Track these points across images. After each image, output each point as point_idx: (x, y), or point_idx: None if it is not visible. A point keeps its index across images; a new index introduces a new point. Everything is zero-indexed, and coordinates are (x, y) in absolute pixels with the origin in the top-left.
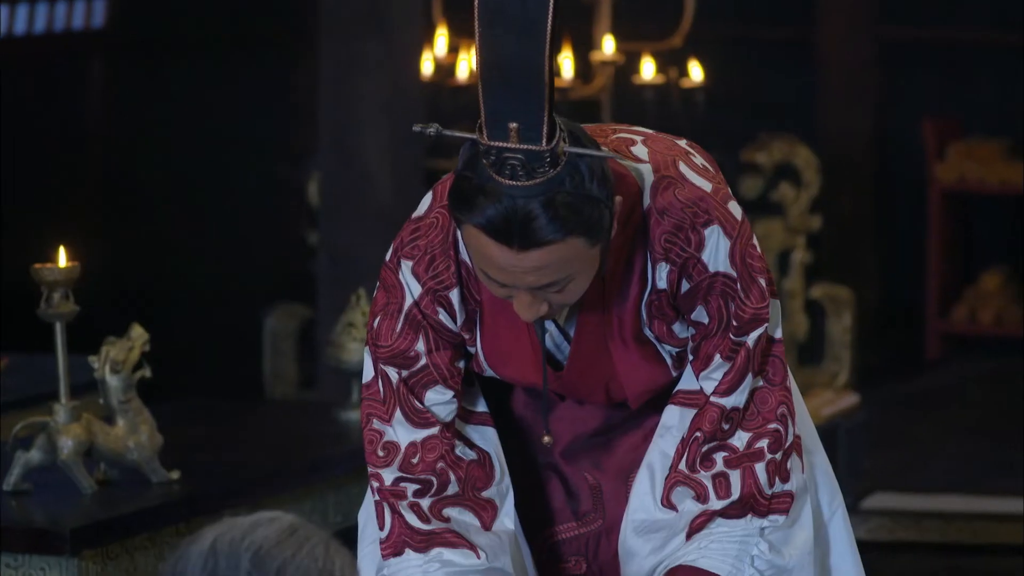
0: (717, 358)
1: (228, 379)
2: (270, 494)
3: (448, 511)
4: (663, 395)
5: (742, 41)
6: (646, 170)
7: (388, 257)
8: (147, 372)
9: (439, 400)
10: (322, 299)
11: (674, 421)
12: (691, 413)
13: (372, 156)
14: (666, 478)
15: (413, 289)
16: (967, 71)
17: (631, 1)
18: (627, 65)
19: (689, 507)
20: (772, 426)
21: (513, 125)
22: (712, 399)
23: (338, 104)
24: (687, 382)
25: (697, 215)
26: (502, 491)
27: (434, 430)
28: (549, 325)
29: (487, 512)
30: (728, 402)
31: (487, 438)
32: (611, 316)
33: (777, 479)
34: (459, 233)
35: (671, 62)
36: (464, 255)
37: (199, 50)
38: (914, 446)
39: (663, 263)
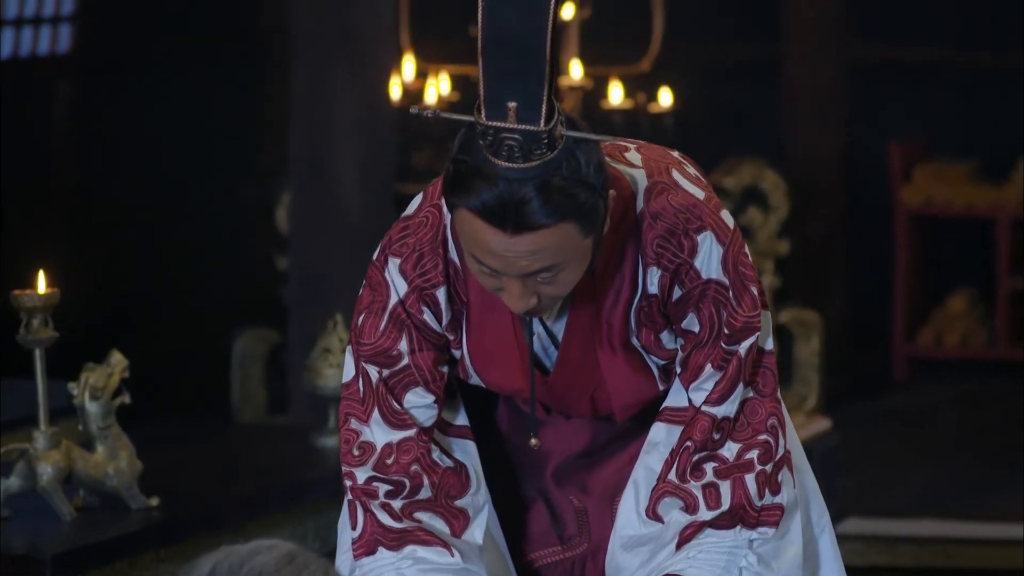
0: (708, 368)
1: (196, 402)
2: (250, 520)
3: (419, 515)
4: (649, 414)
5: (709, 62)
6: (639, 175)
7: (376, 256)
8: (126, 398)
9: (419, 403)
10: (293, 323)
11: (661, 437)
12: (678, 430)
13: (343, 179)
14: (653, 489)
15: (399, 287)
16: (934, 93)
17: (598, 25)
18: (595, 90)
19: (677, 518)
20: (762, 437)
21: (512, 104)
22: (703, 408)
23: (309, 126)
24: (675, 399)
25: (690, 221)
26: (476, 503)
27: (411, 432)
28: (537, 327)
29: (458, 521)
30: (719, 411)
31: (467, 451)
32: (600, 321)
33: (767, 491)
34: (450, 226)
35: (639, 87)
36: (453, 254)
37: (165, 72)
38: (883, 468)
39: (655, 268)
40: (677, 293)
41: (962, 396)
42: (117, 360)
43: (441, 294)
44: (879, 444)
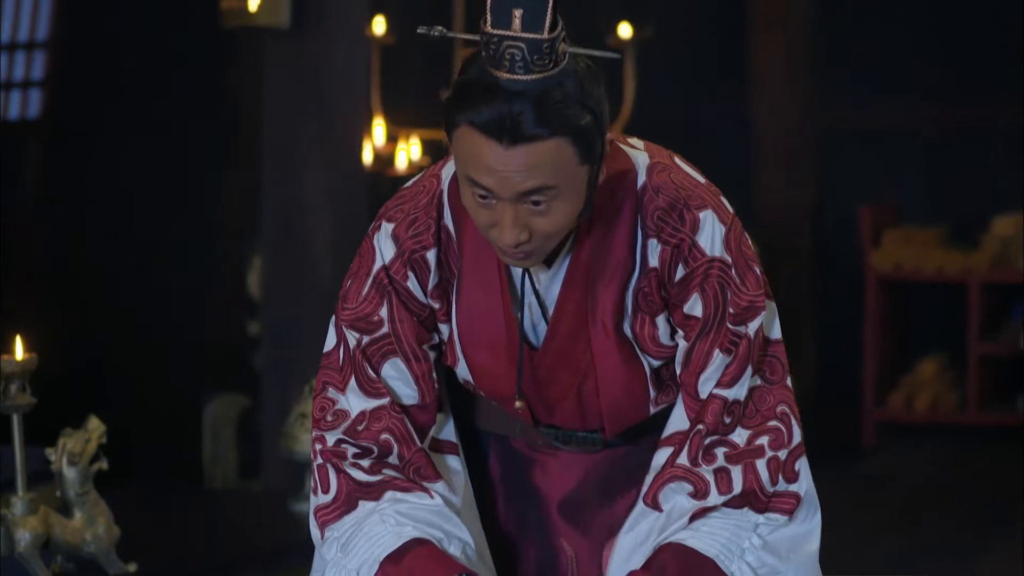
0: (717, 353)
1: (165, 465)
2: None
3: (389, 472)
4: (642, 456)
5: (678, 125)
6: (641, 155)
7: (372, 225)
8: (104, 464)
9: (395, 375)
10: (265, 388)
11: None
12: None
13: (315, 243)
14: (656, 476)
15: (385, 253)
16: (903, 158)
17: None
18: None
19: (682, 503)
20: (772, 423)
21: (517, 11)
22: (714, 391)
23: (281, 189)
24: (678, 422)
25: (691, 198)
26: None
27: (384, 401)
28: (529, 296)
29: (427, 492)
30: (730, 394)
31: (454, 464)
32: (595, 297)
33: (781, 477)
34: (447, 191)
35: None
36: (447, 219)
37: (135, 135)
38: (853, 532)
39: (655, 240)
40: (680, 272)
41: (932, 460)
42: (94, 426)
43: (431, 255)
44: (850, 508)
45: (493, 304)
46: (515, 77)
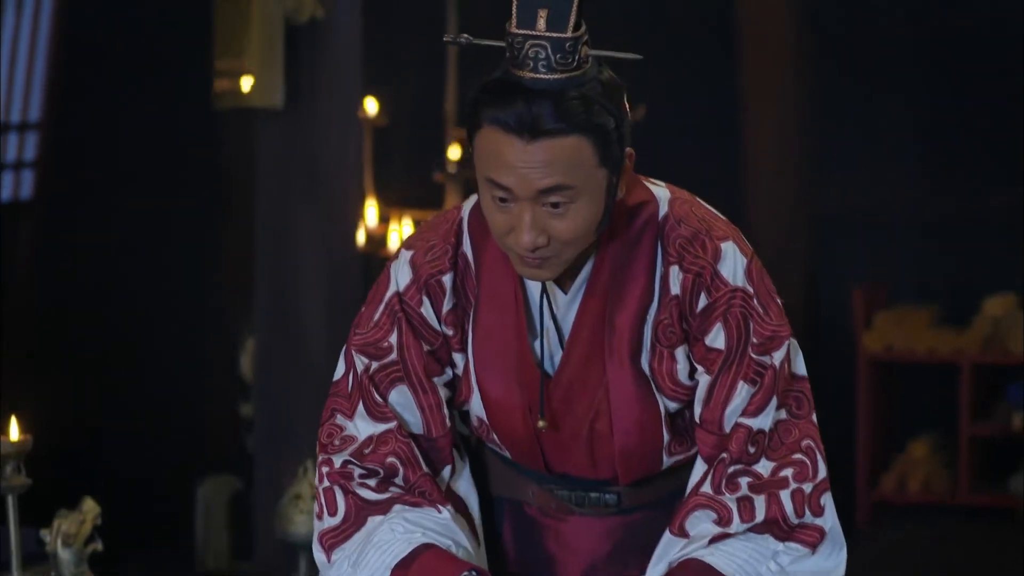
0: (741, 385)
1: (157, 547)
2: None
3: (395, 490)
4: (657, 522)
5: None
6: (662, 191)
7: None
8: (99, 546)
9: (401, 403)
10: (258, 470)
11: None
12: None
13: (309, 325)
14: (683, 504)
15: (401, 280)
16: (895, 239)
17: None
18: None
19: (707, 529)
20: (797, 456)
21: (543, 11)
22: (739, 420)
23: (274, 270)
24: (700, 469)
25: (713, 229)
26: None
27: (391, 425)
28: (547, 322)
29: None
30: (754, 424)
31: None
32: (612, 325)
33: (807, 510)
34: (467, 219)
35: None
36: (466, 247)
37: (128, 217)
38: None
39: (677, 267)
40: (702, 301)
41: (926, 541)
42: (89, 507)
43: (447, 279)
44: None
45: (509, 329)
46: (538, 76)
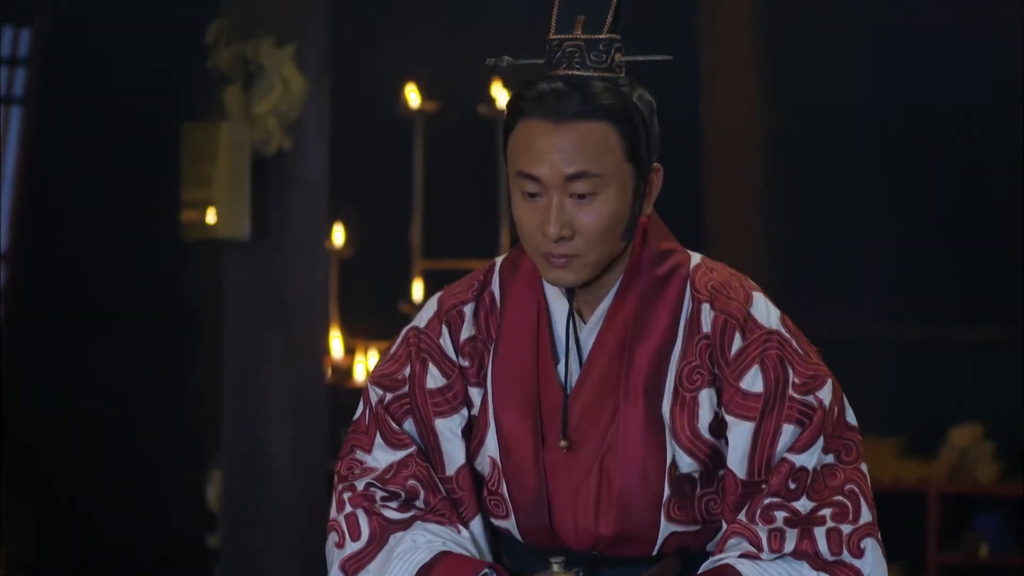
0: (786, 427)
1: None
2: None
3: (416, 511)
4: None
5: None
6: (694, 253)
7: None
8: None
9: (415, 433)
10: None
11: None
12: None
13: (275, 455)
14: (720, 538)
15: (423, 316)
16: (860, 369)
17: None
18: None
19: (739, 546)
20: (837, 498)
21: (581, 18)
22: (785, 455)
23: (241, 402)
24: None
25: (743, 280)
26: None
27: (411, 450)
28: (571, 347)
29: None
30: (798, 460)
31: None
32: (631, 358)
33: (844, 549)
34: (499, 266)
35: None
36: (495, 285)
37: (97, 348)
38: None
39: (707, 305)
40: (737, 342)
41: None
42: None
43: (468, 309)
44: None
45: (529, 354)
46: (572, 72)
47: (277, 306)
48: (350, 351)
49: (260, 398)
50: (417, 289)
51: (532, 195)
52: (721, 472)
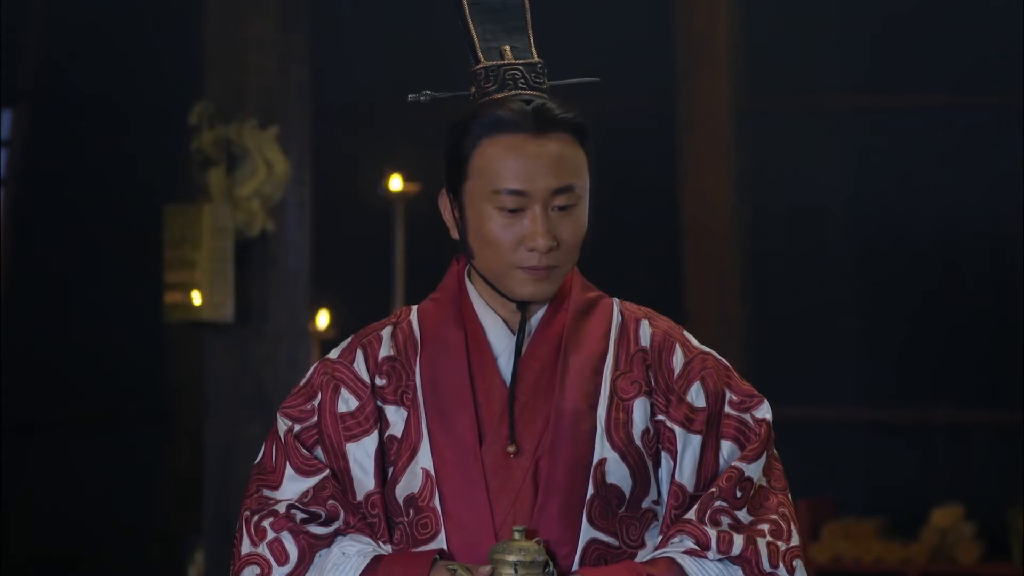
0: (724, 443)
1: None
2: None
3: (336, 528)
4: None
5: None
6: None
7: None
8: None
9: (325, 460)
10: None
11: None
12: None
13: None
14: (666, 534)
15: (336, 351)
16: (841, 451)
17: None
18: None
19: (685, 544)
20: (772, 516)
21: (506, 47)
22: (734, 462)
23: (222, 486)
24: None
25: (673, 324)
26: None
27: (325, 474)
28: (512, 345)
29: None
30: (747, 469)
31: None
32: (566, 364)
33: (781, 564)
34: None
35: None
36: (412, 316)
37: (76, 435)
38: None
39: (645, 321)
40: (680, 357)
41: None
42: None
43: (385, 332)
44: None
45: (461, 366)
46: (521, 92)
47: (258, 392)
48: None
49: (241, 481)
50: None
51: (512, 211)
52: (644, 503)
